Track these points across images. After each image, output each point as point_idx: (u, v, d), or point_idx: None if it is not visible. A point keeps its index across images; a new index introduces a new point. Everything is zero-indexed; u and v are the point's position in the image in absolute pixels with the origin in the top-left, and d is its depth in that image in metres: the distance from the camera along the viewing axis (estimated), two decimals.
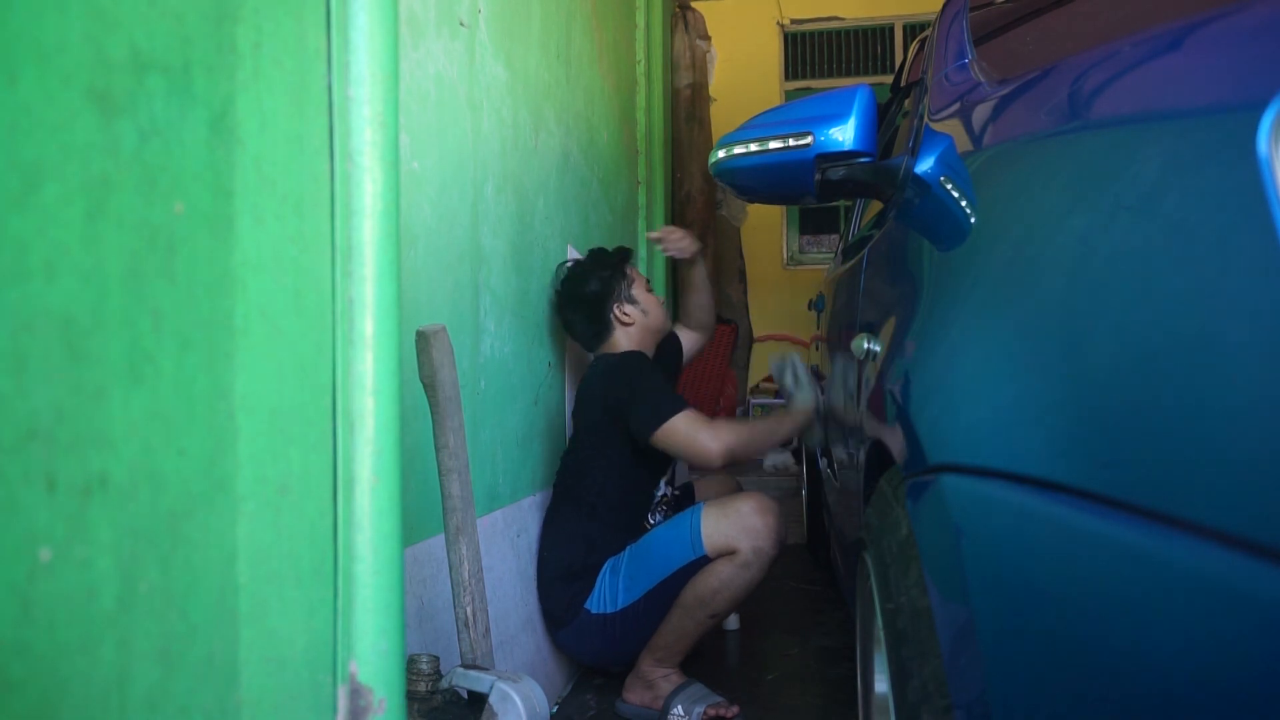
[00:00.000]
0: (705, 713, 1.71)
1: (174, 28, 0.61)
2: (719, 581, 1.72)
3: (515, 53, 1.83)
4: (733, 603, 1.76)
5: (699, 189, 3.87)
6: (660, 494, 2.05)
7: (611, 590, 1.81)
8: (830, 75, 5.21)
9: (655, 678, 1.79)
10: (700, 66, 3.96)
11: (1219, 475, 0.46)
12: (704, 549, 1.73)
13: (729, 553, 1.72)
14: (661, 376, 1.88)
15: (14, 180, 0.49)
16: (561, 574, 1.83)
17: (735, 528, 1.72)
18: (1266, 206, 0.46)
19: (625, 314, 1.97)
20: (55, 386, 0.51)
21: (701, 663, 2.03)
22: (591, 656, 1.87)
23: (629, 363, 1.86)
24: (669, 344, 2.19)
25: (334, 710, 0.76)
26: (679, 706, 1.73)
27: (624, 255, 2.02)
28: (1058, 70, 0.79)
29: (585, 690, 1.93)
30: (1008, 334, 0.66)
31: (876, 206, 1.62)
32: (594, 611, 1.81)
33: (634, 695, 1.81)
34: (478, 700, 1.05)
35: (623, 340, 1.98)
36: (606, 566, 1.84)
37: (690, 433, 1.74)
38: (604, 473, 1.84)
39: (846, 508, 1.53)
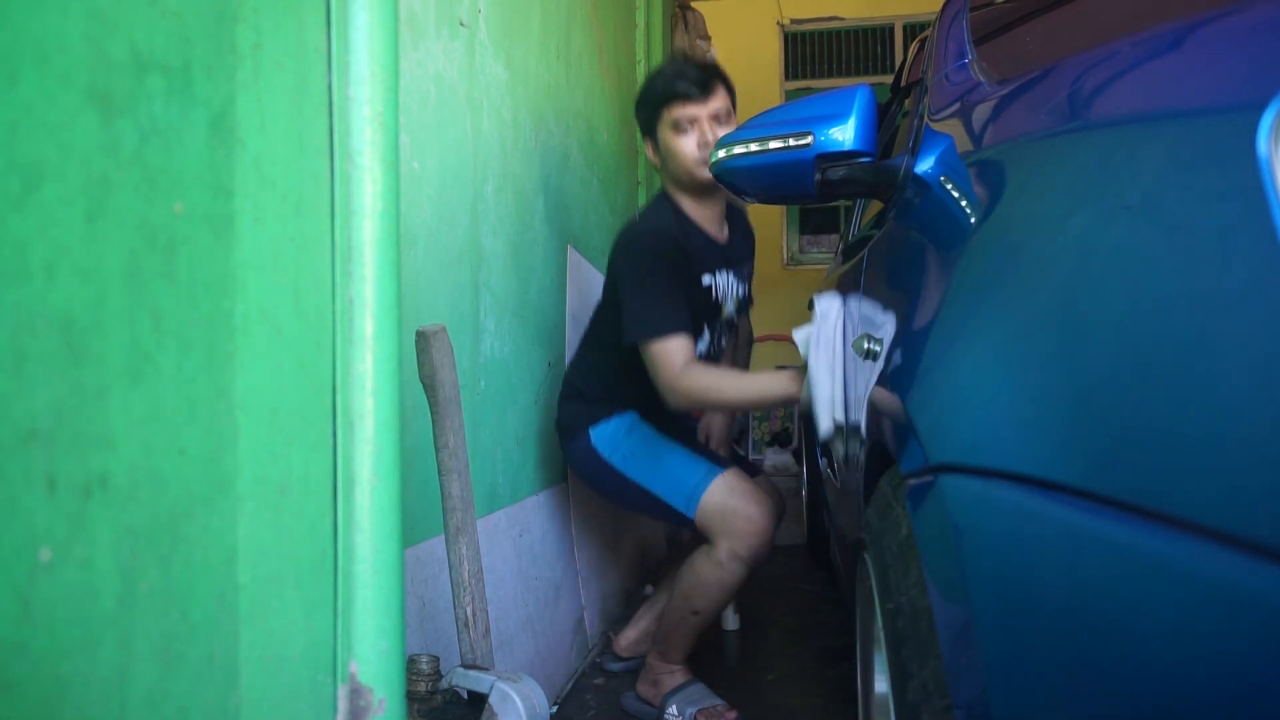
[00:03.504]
0: (699, 715, 1.70)
1: (174, 28, 0.61)
2: (695, 578, 1.71)
3: (515, 53, 1.83)
4: (711, 600, 1.72)
5: None
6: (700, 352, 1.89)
7: (617, 441, 1.81)
8: (830, 75, 5.21)
9: (660, 674, 1.79)
10: None
11: (1219, 475, 0.46)
12: (694, 514, 1.71)
13: (708, 541, 1.70)
14: (669, 271, 1.69)
15: (14, 180, 0.49)
16: (577, 393, 1.85)
17: (727, 521, 1.68)
18: (1266, 206, 0.46)
19: (650, 154, 1.86)
20: (55, 386, 0.51)
21: (702, 663, 2.03)
22: (585, 478, 1.90)
23: (638, 250, 1.72)
24: (742, 218, 2.00)
25: (334, 710, 0.76)
26: (674, 706, 1.73)
27: (670, 94, 1.75)
28: (1058, 70, 0.79)
29: (585, 690, 1.93)
30: (1008, 334, 0.66)
31: (876, 206, 1.62)
32: (594, 441, 1.82)
33: (643, 688, 1.82)
34: (478, 700, 1.05)
35: (666, 182, 1.85)
36: (627, 418, 1.83)
37: (658, 365, 1.63)
38: None
39: (846, 508, 1.53)
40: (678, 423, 1.95)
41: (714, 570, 1.68)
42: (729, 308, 1.91)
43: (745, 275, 2.00)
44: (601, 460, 1.82)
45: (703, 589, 1.70)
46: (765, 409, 1.59)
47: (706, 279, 1.81)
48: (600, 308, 1.91)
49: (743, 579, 1.70)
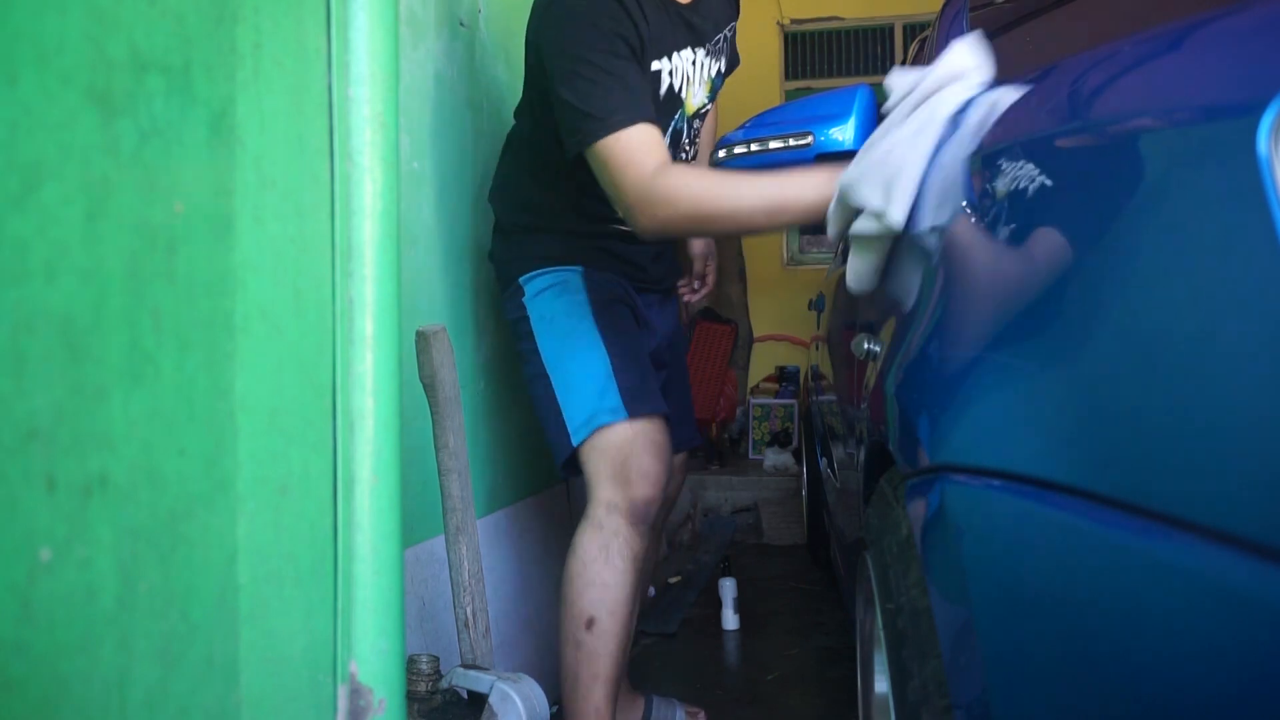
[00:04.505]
0: None
1: (174, 28, 0.61)
2: (576, 563, 1.26)
3: (515, 53, 1.82)
4: (605, 591, 1.24)
5: None
6: None
7: (545, 296, 1.36)
8: (830, 75, 5.20)
9: None
10: None
11: (1219, 475, 0.46)
12: (577, 443, 1.28)
13: (588, 499, 1.29)
14: (614, 46, 1.16)
15: (14, 180, 0.49)
16: (511, 228, 1.41)
17: (614, 467, 1.25)
18: (1266, 206, 0.46)
19: None
20: (55, 386, 0.51)
21: (702, 663, 2.03)
22: (509, 326, 1.46)
23: (565, 16, 1.18)
24: None
25: (334, 710, 0.76)
26: None
27: None
28: (1058, 70, 0.79)
29: None
30: (1007, 333, 0.66)
31: None
32: (522, 283, 1.38)
33: None
34: (478, 700, 1.05)
35: None
36: (569, 274, 1.37)
37: (619, 171, 1.10)
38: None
39: (846, 508, 1.53)
40: (652, 291, 1.48)
41: (593, 535, 1.25)
42: (697, 98, 1.36)
43: (723, 48, 1.40)
44: (522, 309, 1.38)
45: (586, 574, 1.24)
46: (793, 225, 1.06)
47: (657, 64, 1.27)
48: (520, 106, 1.40)
49: (634, 552, 1.26)
